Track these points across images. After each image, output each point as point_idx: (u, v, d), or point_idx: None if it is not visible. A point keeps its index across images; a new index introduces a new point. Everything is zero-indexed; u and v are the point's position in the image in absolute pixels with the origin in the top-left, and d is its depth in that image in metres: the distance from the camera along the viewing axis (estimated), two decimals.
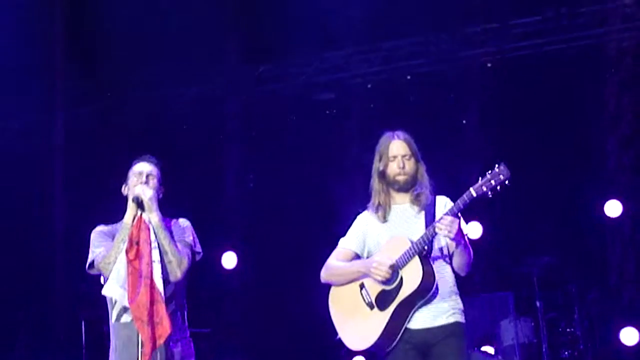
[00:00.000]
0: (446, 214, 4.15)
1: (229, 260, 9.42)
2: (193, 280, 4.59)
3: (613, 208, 8.46)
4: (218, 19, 8.42)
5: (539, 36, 8.51)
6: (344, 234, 4.57)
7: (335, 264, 4.49)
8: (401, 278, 4.23)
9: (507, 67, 8.59)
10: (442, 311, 4.28)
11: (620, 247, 8.42)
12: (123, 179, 4.63)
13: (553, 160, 8.43)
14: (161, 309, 4.19)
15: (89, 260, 4.49)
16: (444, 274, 4.32)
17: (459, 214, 4.18)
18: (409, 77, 8.97)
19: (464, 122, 8.81)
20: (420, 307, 4.24)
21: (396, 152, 4.41)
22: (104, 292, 4.35)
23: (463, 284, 4.46)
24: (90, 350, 8.38)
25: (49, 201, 9.43)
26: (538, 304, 7.79)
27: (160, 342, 4.20)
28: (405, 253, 4.22)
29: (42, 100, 9.15)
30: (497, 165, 4.10)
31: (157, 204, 4.44)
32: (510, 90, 8.43)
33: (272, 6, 8.28)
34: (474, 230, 8.22)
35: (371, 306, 4.32)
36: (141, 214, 4.37)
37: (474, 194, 4.10)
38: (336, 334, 4.50)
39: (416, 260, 4.21)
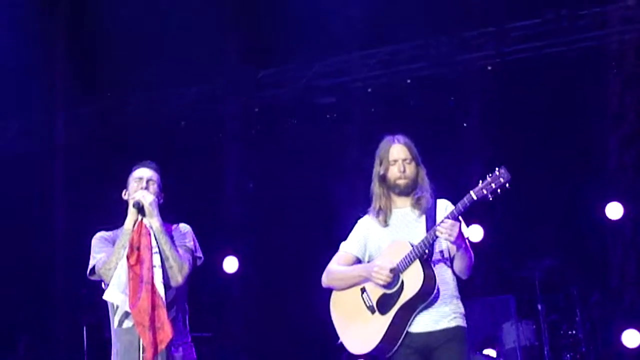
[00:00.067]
0: (447, 217, 4.15)
1: (230, 264, 9.42)
2: (194, 285, 4.59)
3: (614, 210, 8.47)
4: (218, 20, 8.43)
5: (539, 39, 8.48)
6: (344, 238, 4.56)
7: (336, 269, 4.49)
8: (402, 282, 4.23)
9: (507, 70, 8.58)
10: (444, 315, 4.27)
11: (622, 250, 8.41)
12: (123, 180, 4.63)
13: (553, 163, 8.42)
14: (162, 314, 4.19)
15: (89, 267, 4.48)
16: (445, 278, 4.32)
17: (460, 217, 4.19)
18: (409, 81, 8.96)
19: (465, 125, 8.80)
20: (421, 310, 4.24)
21: (397, 156, 4.41)
22: (105, 297, 4.35)
23: (464, 287, 4.45)
24: (91, 356, 8.38)
25: (49, 201, 9.44)
26: (539, 306, 7.80)
27: (162, 347, 4.20)
28: (406, 257, 4.22)
29: (42, 100, 9.17)
30: (497, 168, 4.10)
31: (158, 209, 4.43)
32: (510, 94, 8.42)
33: (272, 9, 8.29)
34: (474, 233, 8.23)
35: (372, 310, 4.32)
36: (142, 220, 4.37)
37: (475, 197, 4.10)
38: (337, 338, 4.50)
39: (417, 264, 4.20)
